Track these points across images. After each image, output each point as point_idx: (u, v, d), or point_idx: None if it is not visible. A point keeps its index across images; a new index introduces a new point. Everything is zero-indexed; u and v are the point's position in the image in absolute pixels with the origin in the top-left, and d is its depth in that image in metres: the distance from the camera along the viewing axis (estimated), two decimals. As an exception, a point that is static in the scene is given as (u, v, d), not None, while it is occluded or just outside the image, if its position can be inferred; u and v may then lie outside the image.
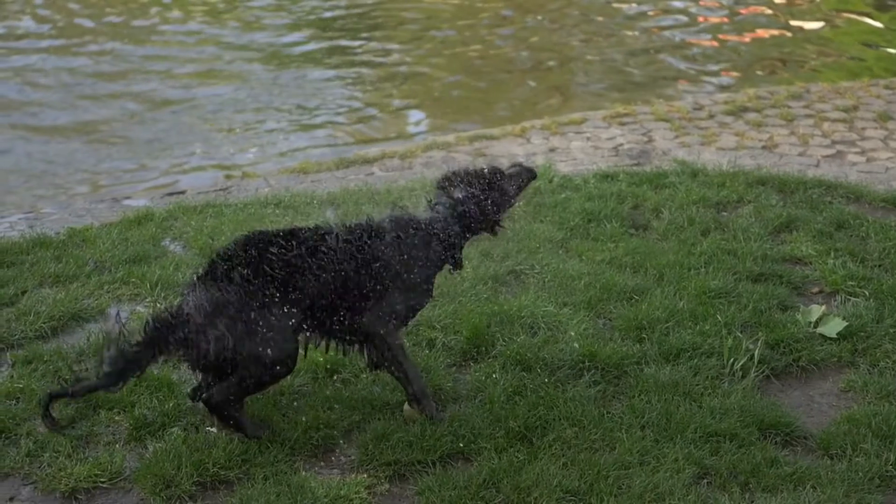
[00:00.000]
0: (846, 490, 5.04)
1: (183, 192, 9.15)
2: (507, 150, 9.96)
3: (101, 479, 5.10)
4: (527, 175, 5.83)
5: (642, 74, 13.52)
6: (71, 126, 11.66)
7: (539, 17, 16.10)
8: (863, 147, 10.03)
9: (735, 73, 13.50)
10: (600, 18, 16.10)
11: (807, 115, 10.89)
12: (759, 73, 13.52)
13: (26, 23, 15.45)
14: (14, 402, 5.69)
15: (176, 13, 16.21)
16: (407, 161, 9.79)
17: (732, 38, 15.08)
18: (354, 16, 16.17)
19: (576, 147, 10.08)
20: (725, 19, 16.14)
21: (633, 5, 16.69)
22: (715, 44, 14.78)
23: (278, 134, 11.52)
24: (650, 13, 16.33)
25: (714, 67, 13.79)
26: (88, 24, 15.43)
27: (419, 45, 14.75)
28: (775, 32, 15.36)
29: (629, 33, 15.33)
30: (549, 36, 15.17)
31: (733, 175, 8.77)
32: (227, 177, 9.88)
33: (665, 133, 10.42)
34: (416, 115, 12.46)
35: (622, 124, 10.71)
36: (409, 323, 5.72)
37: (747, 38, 15.10)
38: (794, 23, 15.74)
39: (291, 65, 13.86)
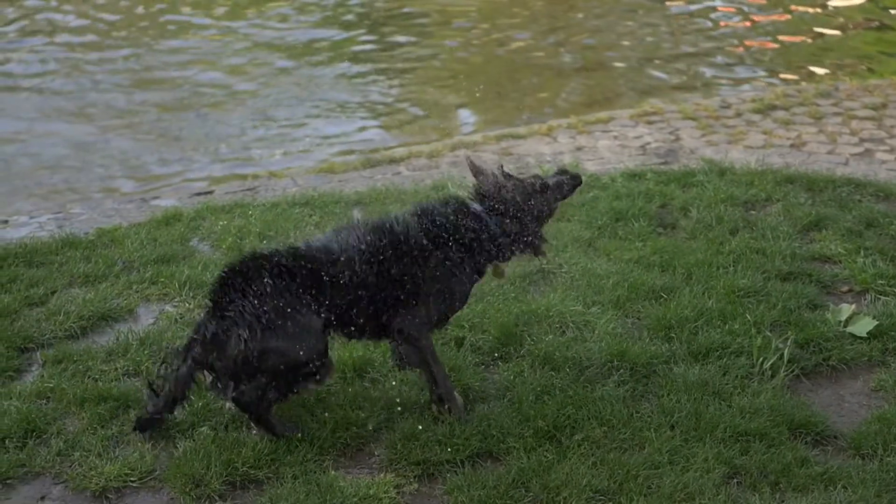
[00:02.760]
0: (877, 490, 5.01)
1: (211, 192, 9.18)
2: (534, 150, 9.94)
3: (132, 479, 5.12)
4: (570, 183, 5.73)
5: (687, 75, 13.41)
6: (95, 126, 11.68)
7: (580, 15, 16.05)
8: (892, 145, 9.96)
9: (785, 74, 13.30)
10: (648, 17, 16.00)
11: (835, 113, 10.84)
12: (810, 70, 13.33)
13: (42, 23, 15.50)
14: (45, 401, 5.73)
15: (207, 10, 16.25)
16: (434, 160, 9.79)
17: (788, 38, 14.89)
18: (385, 12, 16.17)
19: (603, 146, 10.06)
20: (782, 16, 15.98)
21: (681, 4, 16.56)
22: (772, 45, 14.57)
23: (307, 133, 11.51)
24: (697, 12, 16.19)
25: (763, 69, 13.61)
26: (107, 23, 15.47)
27: (460, 42, 14.70)
28: (830, 32, 15.20)
29: (676, 33, 15.20)
30: (595, 34, 15.11)
31: (761, 174, 8.74)
32: (255, 176, 9.88)
33: (692, 132, 10.38)
34: (454, 113, 12.37)
35: (649, 123, 10.68)
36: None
37: (800, 38, 14.92)
38: (846, 22, 15.61)
39: (322, 62, 13.82)
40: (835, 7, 16.37)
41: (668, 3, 16.54)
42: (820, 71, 13.19)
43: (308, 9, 16.19)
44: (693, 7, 16.37)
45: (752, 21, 15.69)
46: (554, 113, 11.74)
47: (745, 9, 16.30)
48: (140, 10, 16.09)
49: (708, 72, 13.51)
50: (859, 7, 16.46)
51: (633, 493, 4.95)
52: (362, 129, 11.73)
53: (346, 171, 9.61)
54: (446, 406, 5.48)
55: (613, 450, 5.26)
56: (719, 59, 14.02)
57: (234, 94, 12.60)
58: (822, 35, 15.02)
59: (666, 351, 6.12)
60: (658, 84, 13.04)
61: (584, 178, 5.87)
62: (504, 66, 13.80)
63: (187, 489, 5.02)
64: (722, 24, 15.57)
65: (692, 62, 13.85)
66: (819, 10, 16.24)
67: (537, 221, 5.55)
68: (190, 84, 12.98)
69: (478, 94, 12.82)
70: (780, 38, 14.87)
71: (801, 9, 16.22)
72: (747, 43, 14.61)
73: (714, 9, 16.23)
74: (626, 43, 14.71)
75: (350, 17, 15.88)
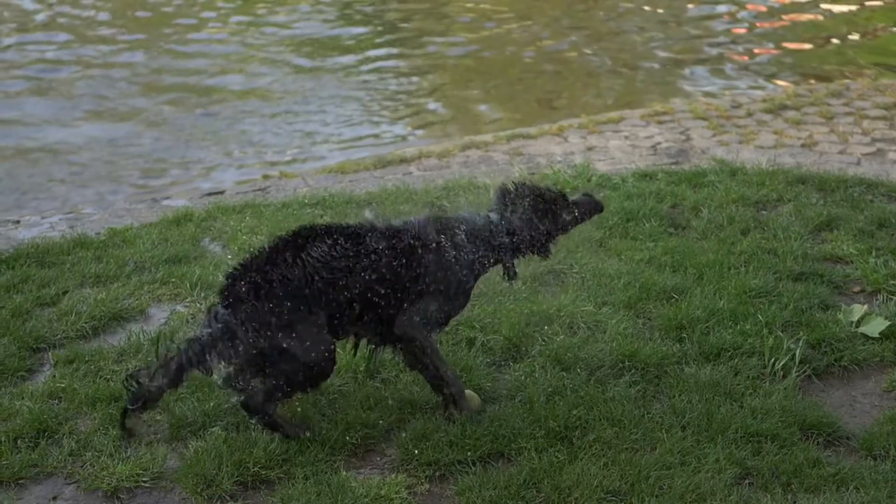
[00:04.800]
0: (890, 491, 5.00)
1: (222, 192, 9.19)
2: (545, 150, 9.94)
3: (143, 479, 5.13)
4: (591, 207, 5.76)
5: (712, 77, 13.37)
6: (107, 126, 11.70)
7: (601, 13, 16.02)
8: (904, 144, 9.95)
9: (814, 76, 13.16)
10: (671, 18, 15.95)
11: (846, 113, 10.81)
12: (841, 72, 13.22)
13: (53, 23, 15.52)
14: (56, 401, 5.74)
15: (221, 9, 16.26)
16: (444, 160, 9.79)
17: (821, 38, 14.80)
18: (402, 11, 16.17)
19: (614, 146, 10.04)
20: (819, 16, 15.91)
21: (706, 5, 16.49)
22: (807, 46, 14.48)
23: (321, 132, 11.52)
24: (725, 15, 16.10)
25: (792, 71, 13.50)
26: (119, 23, 15.49)
27: (482, 42, 14.68)
28: (863, 33, 15.12)
29: (702, 35, 15.14)
30: (619, 35, 15.08)
31: (773, 174, 8.72)
32: (266, 176, 9.90)
33: (703, 132, 10.37)
34: (476, 112, 12.35)
35: (660, 123, 10.66)
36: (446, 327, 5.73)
37: (832, 39, 14.80)
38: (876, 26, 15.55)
39: (338, 60, 13.82)
40: (870, 7, 16.28)
41: (694, 4, 16.46)
42: (849, 72, 13.07)
43: (325, 7, 16.19)
44: (722, 8, 16.30)
45: (784, 22, 15.60)
46: (578, 113, 11.65)
47: (776, 6, 16.24)
48: (152, 12, 16.10)
49: (734, 74, 13.44)
50: (891, 6, 16.37)
51: (645, 494, 4.95)
52: (383, 129, 11.73)
53: (357, 172, 9.61)
54: (457, 406, 5.48)
55: (625, 450, 5.26)
56: (744, 61, 13.95)
57: (247, 94, 12.62)
58: (854, 36, 14.93)
59: (677, 351, 6.11)
60: (683, 85, 13.01)
61: (604, 207, 5.89)
62: (525, 65, 13.77)
63: (199, 489, 5.03)
64: (758, 24, 15.50)
65: (718, 64, 13.80)
66: (850, 9, 16.13)
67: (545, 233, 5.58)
68: (203, 84, 13.01)
69: (494, 93, 12.82)
70: (811, 38, 14.77)
71: (833, 8, 16.13)
72: (784, 45, 14.49)
73: (743, 6, 16.17)
74: (652, 44, 14.67)
75: (366, 16, 15.87)
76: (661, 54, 14.18)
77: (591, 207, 5.77)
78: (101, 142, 11.24)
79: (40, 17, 15.81)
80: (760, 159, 9.17)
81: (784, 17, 15.80)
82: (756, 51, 14.31)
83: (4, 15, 15.90)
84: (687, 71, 13.52)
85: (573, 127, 10.68)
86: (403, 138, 11.39)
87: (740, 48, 14.43)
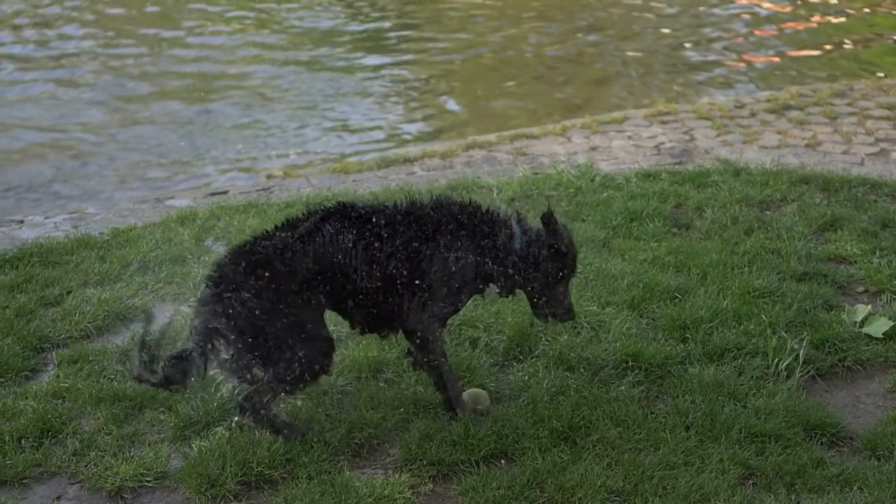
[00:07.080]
0: (893, 491, 4.99)
1: (225, 192, 9.19)
2: (549, 150, 9.93)
3: (147, 478, 5.13)
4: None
5: (734, 77, 13.36)
6: (109, 126, 11.71)
7: (613, 10, 16.02)
8: (908, 145, 9.95)
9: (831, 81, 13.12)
10: (693, 20, 15.94)
11: (850, 113, 10.80)
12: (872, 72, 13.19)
13: (58, 20, 15.53)
14: (60, 401, 5.75)
15: (226, 5, 16.28)
16: (448, 160, 9.79)
17: (853, 39, 14.77)
18: (416, 8, 16.17)
19: (617, 146, 10.04)
20: (837, 18, 15.86)
21: (725, 6, 16.45)
22: (827, 47, 14.45)
23: (324, 132, 11.53)
24: (744, 16, 16.06)
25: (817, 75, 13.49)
26: (123, 20, 15.49)
27: (499, 41, 14.66)
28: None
29: (721, 37, 15.13)
30: (635, 36, 15.07)
31: (776, 174, 8.72)
32: (269, 176, 9.89)
33: (707, 132, 10.36)
34: (489, 110, 12.34)
35: (663, 123, 10.66)
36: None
37: (862, 41, 14.78)
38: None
39: (348, 59, 13.82)
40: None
41: (706, 7, 16.44)
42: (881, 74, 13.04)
43: (335, 5, 16.18)
44: (735, 10, 16.27)
45: (814, 23, 15.57)
46: (600, 112, 11.63)
47: (799, 3, 16.23)
48: (159, 9, 16.11)
49: (748, 76, 13.43)
50: None
51: (648, 494, 4.95)
52: (395, 129, 11.72)
53: (361, 171, 9.61)
54: (457, 410, 5.48)
55: (628, 450, 5.26)
56: (764, 63, 13.93)
57: (252, 93, 12.62)
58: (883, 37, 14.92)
59: (681, 351, 6.11)
60: (703, 86, 13.01)
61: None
62: (543, 64, 13.77)
63: (202, 489, 5.03)
64: (786, 26, 15.47)
65: (735, 65, 13.78)
66: (867, 11, 16.11)
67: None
68: (208, 83, 13.00)
69: (511, 92, 12.82)
70: (828, 41, 14.73)
71: (852, 11, 16.10)
72: (825, 46, 14.44)
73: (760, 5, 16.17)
74: (672, 44, 14.66)
75: (380, 14, 15.87)
76: (682, 55, 14.16)
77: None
78: (104, 141, 11.25)
79: (44, 15, 15.80)
80: (764, 159, 9.17)
81: (812, 19, 15.76)
82: (789, 53, 14.27)
83: (6, 13, 15.90)
84: (716, 72, 13.51)
85: (576, 127, 10.68)
86: (424, 139, 11.36)
87: (755, 50, 14.41)
